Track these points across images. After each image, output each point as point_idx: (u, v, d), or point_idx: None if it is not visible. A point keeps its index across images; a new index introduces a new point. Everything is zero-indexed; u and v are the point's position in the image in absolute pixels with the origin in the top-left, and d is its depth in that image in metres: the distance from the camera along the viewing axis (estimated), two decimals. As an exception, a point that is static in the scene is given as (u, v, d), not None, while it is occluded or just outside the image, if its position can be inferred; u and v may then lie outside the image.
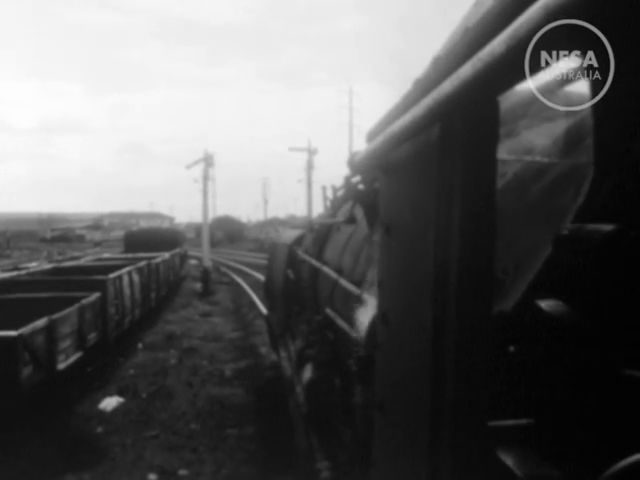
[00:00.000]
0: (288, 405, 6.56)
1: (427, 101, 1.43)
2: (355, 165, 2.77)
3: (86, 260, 18.03)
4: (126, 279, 12.58)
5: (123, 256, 19.90)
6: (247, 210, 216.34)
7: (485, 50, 1.13)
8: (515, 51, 1.04)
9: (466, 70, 1.21)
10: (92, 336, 10.02)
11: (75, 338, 9.07)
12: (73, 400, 9.44)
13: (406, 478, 1.81)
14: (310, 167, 31.27)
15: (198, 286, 25.56)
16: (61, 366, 8.39)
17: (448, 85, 1.30)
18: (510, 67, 1.08)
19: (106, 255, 21.89)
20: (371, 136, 2.24)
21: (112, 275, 11.43)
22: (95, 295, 10.26)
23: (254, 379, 10.99)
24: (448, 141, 1.51)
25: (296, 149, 31.70)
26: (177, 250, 23.52)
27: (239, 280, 28.34)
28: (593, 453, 1.38)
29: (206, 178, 25.45)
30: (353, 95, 43.35)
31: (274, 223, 63.58)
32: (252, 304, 20.39)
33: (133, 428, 8.86)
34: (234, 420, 8.91)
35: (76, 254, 28.38)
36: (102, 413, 9.42)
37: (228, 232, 69.92)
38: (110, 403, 9.81)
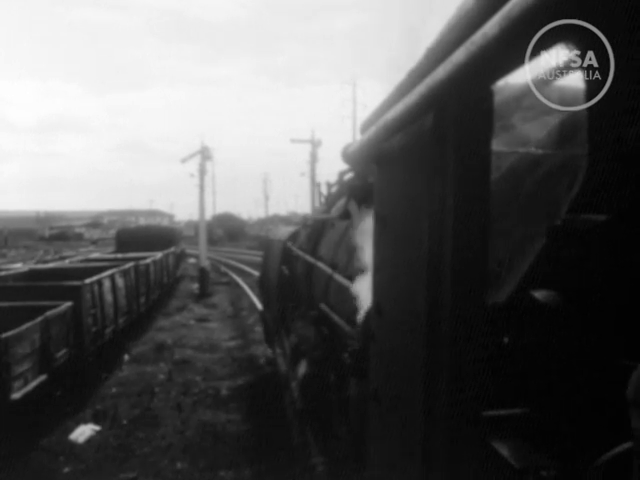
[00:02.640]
0: (293, 437, 5.83)
1: (420, 89, 1.44)
2: (348, 156, 2.69)
3: (71, 261, 16.45)
4: (107, 284, 11.04)
5: (112, 256, 18.32)
6: (248, 207, 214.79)
7: (478, 33, 1.13)
8: (508, 32, 1.04)
9: (459, 55, 1.20)
10: (62, 353, 8.49)
11: (37, 358, 7.54)
12: (39, 431, 7.92)
13: (401, 468, 1.81)
14: (314, 159, 29.62)
15: (195, 287, 24.05)
16: (17, 395, 6.87)
17: (442, 71, 1.30)
18: (504, 49, 1.09)
19: (94, 255, 20.30)
20: (365, 127, 2.30)
21: (89, 280, 9.88)
22: (66, 305, 8.72)
23: (253, 401, 9.45)
24: (442, 130, 1.50)
25: (299, 141, 30.05)
26: (172, 249, 21.93)
27: (239, 280, 26.82)
28: (587, 442, 1.35)
29: (203, 172, 23.93)
30: (357, 87, 41.51)
31: (275, 220, 61.98)
32: (252, 307, 18.83)
33: (108, 467, 7.34)
34: (229, 458, 7.38)
35: (67, 253, 26.83)
36: (73, 446, 7.90)
37: (228, 229, 68.35)
38: (84, 432, 8.30)
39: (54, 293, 9.42)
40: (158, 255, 17.61)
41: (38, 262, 20.29)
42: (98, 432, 8.34)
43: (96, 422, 8.65)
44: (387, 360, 2.02)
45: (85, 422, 8.62)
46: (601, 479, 1.15)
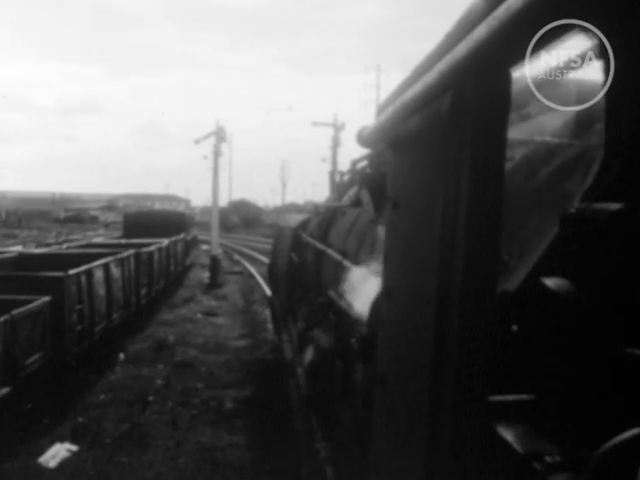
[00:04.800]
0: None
1: (440, 66, 1.44)
2: (364, 139, 2.67)
3: (69, 246, 15.08)
4: (99, 274, 9.66)
5: (116, 242, 16.97)
6: (264, 195, 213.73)
7: (502, 7, 1.13)
8: (532, 6, 1.04)
9: (481, 31, 1.21)
10: (34, 359, 7.12)
11: (-2, 368, 6.16)
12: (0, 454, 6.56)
13: (405, 452, 1.82)
14: (336, 144, 27.83)
15: (205, 276, 22.71)
16: (-36, 416, 5.48)
17: (463, 48, 1.30)
18: (526, 26, 1.09)
19: (96, 240, 18.95)
20: (380, 110, 2.25)
21: (74, 271, 8.47)
22: (41, 300, 7.34)
23: (262, 418, 8.03)
24: (459, 111, 1.48)
25: (321, 124, 28.24)
26: (181, 236, 20.53)
27: (252, 270, 25.45)
28: (592, 429, 1.34)
29: (217, 154, 22.47)
30: (381, 72, 39.73)
31: (291, 209, 60.69)
32: (265, 300, 17.35)
33: (79, 503, 5.99)
34: (228, 499, 5.98)
35: (73, 237, 25.65)
36: (42, 472, 6.55)
37: (244, 216, 67.30)
38: (57, 454, 6.94)
39: (33, 285, 8.06)
40: (164, 242, 16.20)
41: (39, 246, 19.03)
42: (75, 453, 6.99)
43: (74, 440, 7.29)
44: (395, 344, 2.02)
45: (61, 440, 7.26)
46: (605, 466, 1.06)
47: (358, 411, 3.15)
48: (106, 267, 10.10)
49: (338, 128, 27.93)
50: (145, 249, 13.40)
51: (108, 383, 9.63)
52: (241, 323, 14.98)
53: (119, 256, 11.04)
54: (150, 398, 8.94)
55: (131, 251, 12.05)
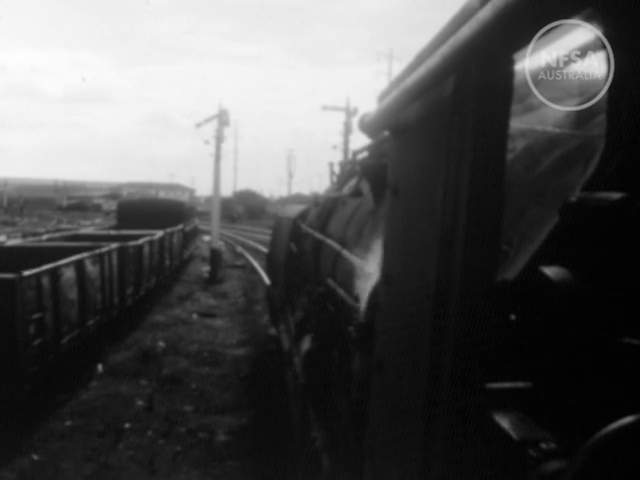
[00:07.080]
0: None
1: (444, 50, 1.42)
2: (365, 126, 2.65)
3: (50, 237, 13.45)
4: (70, 274, 8.04)
5: (105, 234, 15.35)
6: (271, 186, 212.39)
7: None
8: None
9: (486, 12, 1.19)
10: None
11: None
12: None
13: (402, 438, 1.82)
14: (347, 130, 26.03)
15: (205, 270, 21.12)
16: None
17: (467, 30, 1.28)
18: (531, 10, 1.07)
19: (85, 231, 17.27)
20: (383, 96, 2.26)
21: (30, 272, 6.83)
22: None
23: (262, 460, 6.40)
24: (461, 97, 1.46)
25: (332, 108, 26.42)
26: (179, 227, 18.89)
27: (255, 264, 23.83)
28: (588, 417, 1.34)
29: (220, 139, 20.81)
30: (393, 59, 37.75)
31: (297, 200, 59.27)
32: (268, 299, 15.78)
33: None
34: None
35: (62, 226, 24.14)
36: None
37: (249, 207, 65.83)
38: (-4, 511, 5.37)
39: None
40: (157, 234, 14.55)
41: (24, 236, 17.51)
42: (19, 511, 5.41)
43: (21, 490, 5.72)
44: (393, 331, 2.02)
45: (5, 489, 5.69)
46: (599, 453, 1.07)
47: (355, 399, 3.11)
48: (79, 265, 8.48)
49: (350, 113, 26.11)
50: (132, 242, 11.74)
51: (79, 404, 8.04)
52: (241, 326, 13.36)
53: (97, 251, 9.39)
54: (126, 425, 7.36)
55: (113, 245, 10.40)
